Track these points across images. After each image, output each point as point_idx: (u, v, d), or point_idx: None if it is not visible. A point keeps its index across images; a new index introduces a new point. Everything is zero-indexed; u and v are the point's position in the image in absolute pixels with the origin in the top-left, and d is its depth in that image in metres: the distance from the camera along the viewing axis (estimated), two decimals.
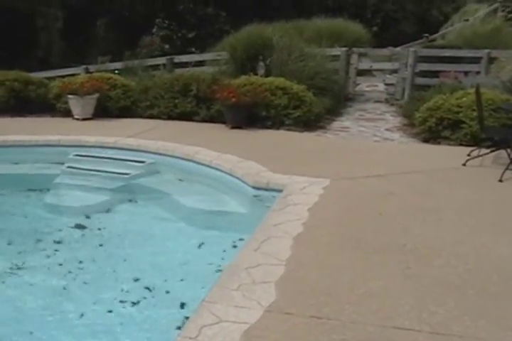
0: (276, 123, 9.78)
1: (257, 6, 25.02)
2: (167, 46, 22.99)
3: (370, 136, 9.46)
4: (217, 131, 9.52)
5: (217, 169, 7.00)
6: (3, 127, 9.55)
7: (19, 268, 4.89)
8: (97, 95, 10.48)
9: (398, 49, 14.60)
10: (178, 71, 12.90)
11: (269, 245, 4.26)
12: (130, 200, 6.96)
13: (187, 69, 12.51)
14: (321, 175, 6.34)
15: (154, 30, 23.85)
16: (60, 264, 5.02)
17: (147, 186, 7.14)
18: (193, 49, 20.47)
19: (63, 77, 12.45)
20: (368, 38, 17.16)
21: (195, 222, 6.14)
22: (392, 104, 12.79)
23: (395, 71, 13.40)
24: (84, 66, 15.14)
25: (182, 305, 4.14)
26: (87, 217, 6.30)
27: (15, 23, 25.61)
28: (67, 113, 10.67)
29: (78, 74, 13.02)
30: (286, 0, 25.43)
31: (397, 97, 12.90)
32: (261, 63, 11.36)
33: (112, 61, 15.69)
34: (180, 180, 7.35)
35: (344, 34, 15.49)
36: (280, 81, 10.16)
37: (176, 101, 10.49)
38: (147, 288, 4.49)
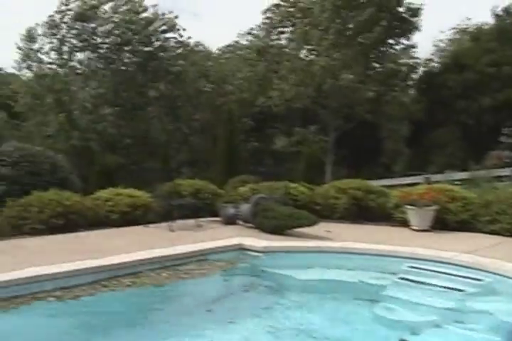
0: None
1: None
2: None
3: None
4: None
5: None
6: (343, 233, 10.05)
7: None
8: (435, 207, 10.38)
9: None
10: None
11: None
12: (457, 321, 6.48)
13: None
14: None
15: (501, 139, 23.19)
16: None
17: (481, 306, 6.62)
18: None
19: (403, 186, 12.72)
20: None
21: None
22: None
23: None
24: (425, 175, 15.30)
25: None
26: (414, 334, 6.04)
27: (363, 134, 27.54)
28: (404, 223, 10.75)
29: (418, 183, 13.16)
30: None
31: None
32: None
33: (454, 171, 15.59)
34: None
35: None
36: None
37: None
38: None
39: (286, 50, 29.74)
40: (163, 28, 29.89)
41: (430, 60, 31.54)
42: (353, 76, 26.84)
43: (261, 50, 30.44)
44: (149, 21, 29.34)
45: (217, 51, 37.67)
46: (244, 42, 35.10)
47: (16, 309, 6.07)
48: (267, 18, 30.99)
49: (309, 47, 28.36)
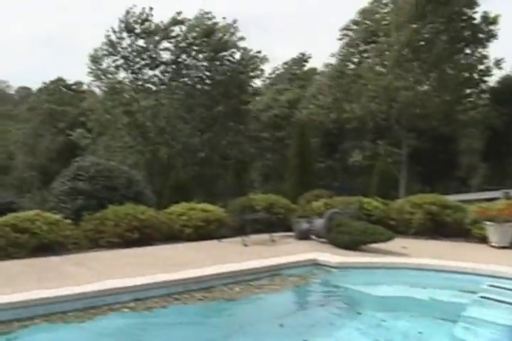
0: None
1: None
2: None
3: None
4: None
5: None
6: (419, 249, 9.79)
7: None
8: None
9: None
10: None
11: None
12: None
13: None
14: None
15: None
16: None
17: None
18: None
19: (480, 200, 12.31)
20: None
21: None
22: None
23: None
24: (504, 190, 14.74)
25: None
26: None
27: (437, 147, 26.87)
28: (483, 239, 10.41)
29: (496, 198, 12.70)
30: None
31: None
32: None
33: None
34: None
35: None
36: None
37: None
38: None
39: (365, 67, 29.19)
40: (225, 37, 30.20)
41: (501, 60, 30.00)
42: (426, 87, 26.44)
43: (338, 74, 30.16)
44: (210, 30, 29.67)
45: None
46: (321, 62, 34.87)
47: (92, 319, 6.19)
48: (345, 35, 30.71)
49: (385, 62, 27.83)
